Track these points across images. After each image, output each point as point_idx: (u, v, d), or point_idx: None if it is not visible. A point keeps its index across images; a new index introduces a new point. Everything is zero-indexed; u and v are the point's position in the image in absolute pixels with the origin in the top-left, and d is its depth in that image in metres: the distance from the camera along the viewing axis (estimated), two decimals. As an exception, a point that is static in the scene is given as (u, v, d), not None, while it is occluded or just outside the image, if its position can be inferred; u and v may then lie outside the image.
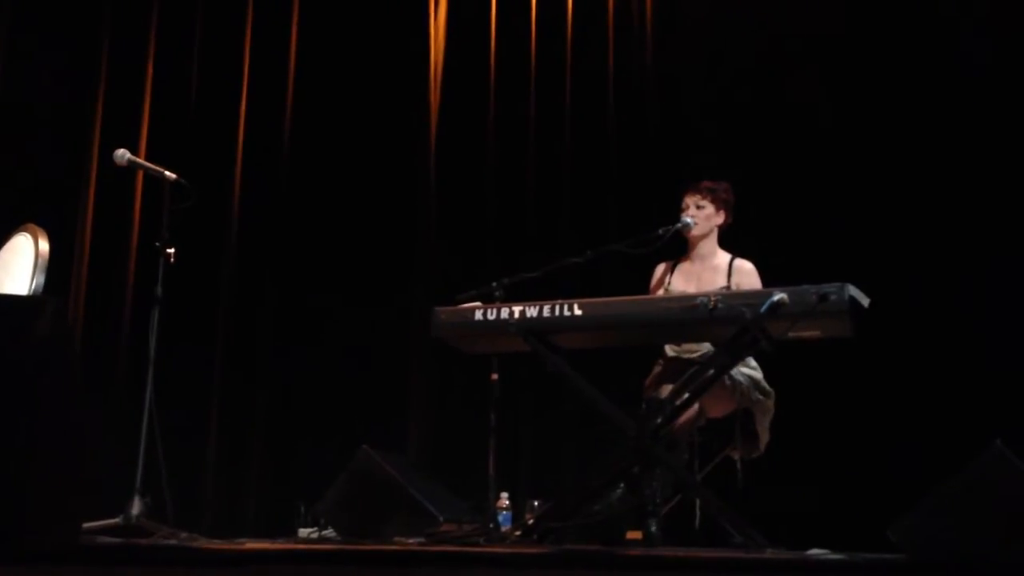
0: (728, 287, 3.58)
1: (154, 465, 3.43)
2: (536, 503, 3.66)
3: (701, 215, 3.67)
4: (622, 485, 3.27)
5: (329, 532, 3.65)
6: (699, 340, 3.50)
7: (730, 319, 3.08)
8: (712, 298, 3.09)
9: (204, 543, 3.04)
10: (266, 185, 5.23)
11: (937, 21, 4.52)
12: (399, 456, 4.02)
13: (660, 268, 3.80)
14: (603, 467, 3.32)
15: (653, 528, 3.08)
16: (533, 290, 3.50)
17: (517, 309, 3.30)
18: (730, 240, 3.77)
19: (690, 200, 3.69)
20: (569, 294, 3.39)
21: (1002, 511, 2.63)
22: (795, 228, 4.46)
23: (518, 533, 3.23)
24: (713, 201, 3.68)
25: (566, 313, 3.25)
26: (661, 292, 3.71)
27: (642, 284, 3.84)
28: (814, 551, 2.76)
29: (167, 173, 3.70)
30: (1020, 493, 2.64)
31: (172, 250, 3.59)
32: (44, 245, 3.12)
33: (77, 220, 5.06)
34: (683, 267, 3.75)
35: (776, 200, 4.48)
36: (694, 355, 3.57)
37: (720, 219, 3.71)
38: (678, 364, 3.57)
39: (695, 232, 3.67)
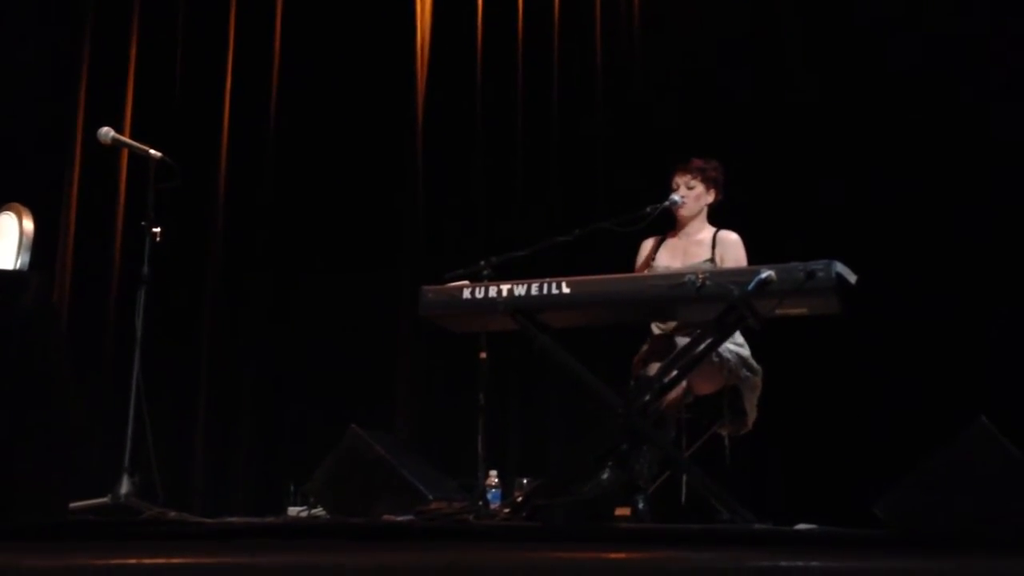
0: (712, 259, 3.59)
1: (142, 444, 3.43)
2: (525, 481, 3.67)
3: (691, 195, 3.68)
4: (610, 462, 3.29)
5: (318, 511, 3.66)
6: (687, 318, 3.50)
7: (718, 297, 3.09)
8: (700, 276, 3.10)
9: (194, 520, 3.04)
10: (252, 163, 5.21)
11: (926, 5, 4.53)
12: (388, 435, 4.02)
13: (647, 243, 3.80)
14: (591, 445, 3.33)
15: (641, 505, 3.09)
16: (521, 268, 3.50)
17: (505, 288, 3.29)
18: (719, 218, 3.78)
19: (680, 180, 3.69)
20: (557, 272, 3.39)
21: (986, 486, 2.66)
22: (782, 206, 4.47)
23: (507, 511, 3.24)
24: (703, 180, 3.69)
25: (554, 291, 3.25)
26: (647, 268, 3.72)
27: (630, 262, 3.84)
28: (801, 526, 2.78)
29: (152, 151, 3.67)
30: (1004, 468, 2.67)
31: (158, 229, 3.56)
32: (29, 224, 3.10)
33: (62, 199, 5.03)
34: (669, 242, 3.76)
35: (764, 178, 4.49)
36: (681, 332, 3.58)
37: (710, 198, 3.72)
38: (665, 341, 3.57)
39: (685, 212, 3.68)
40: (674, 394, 3.36)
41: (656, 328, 3.68)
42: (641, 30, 5.01)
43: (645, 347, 3.68)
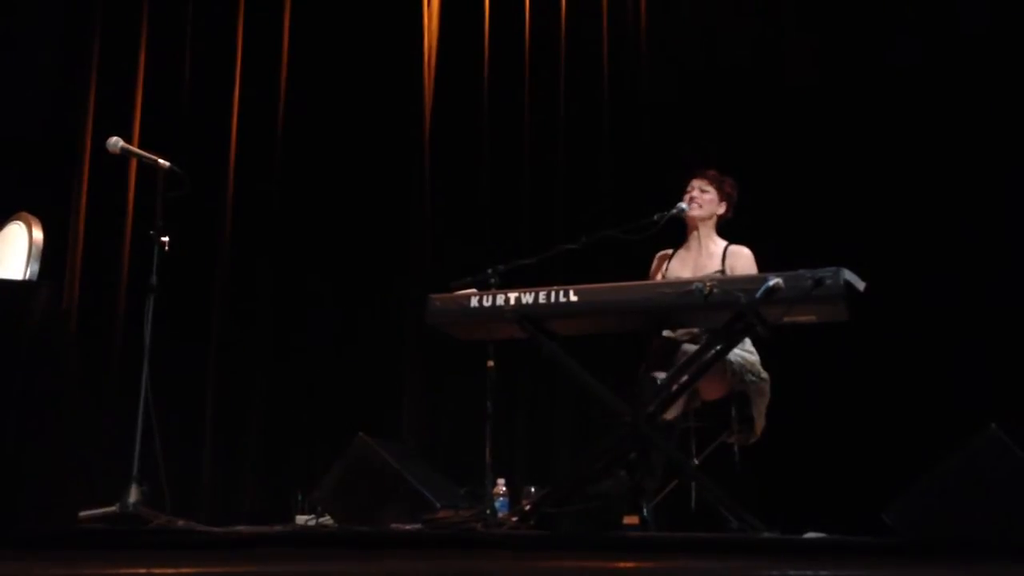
0: (722, 271, 3.59)
1: (151, 453, 3.43)
2: (533, 489, 3.67)
3: (704, 198, 3.70)
4: (618, 470, 3.28)
5: (326, 519, 3.66)
6: (695, 326, 3.50)
7: (725, 304, 3.08)
8: (707, 283, 3.09)
9: (202, 529, 3.04)
10: (260, 173, 5.22)
11: (934, 6, 4.53)
12: (395, 443, 4.03)
13: (659, 256, 3.80)
14: (599, 453, 3.33)
15: (648, 513, 3.08)
16: (528, 276, 3.50)
17: (512, 296, 3.30)
18: (728, 226, 3.78)
19: (697, 183, 3.72)
20: (564, 280, 3.39)
21: (997, 493, 2.65)
22: (790, 213, 4.46)
23: (515, 519, 3.23)
24: (718, 190, 3.72)
25: (561, 299, 3.25)
26: (660, 279, 3.72)
27: (637, 270, 3.84)
28: (810, 535, 2.78)
29: (161, 161, 3.68)
30: (1014, 475, 2.66)
31: (166, 238, 3.58)
32: (38, 234, 3.11)
33: (71, 208, 5.05)
34: (680, 254, 3.76)
35: (772, 185, 4.48)
36: (687, 337, 3.57)
37: (721, 209, 3.73)
38: (671, 345, 3.56)
39: (697, 213, 3.68)
40: (680, 401, 3.34)
41: (665, 332, 3.67)
42: (648, 39, 5.01)
43: (650, 349, 3.66)
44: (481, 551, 2.29)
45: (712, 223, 3.74)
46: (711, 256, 3.69)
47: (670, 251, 3.78)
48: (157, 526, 3.00)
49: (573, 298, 3.24)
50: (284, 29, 5.34)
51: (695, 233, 3.73)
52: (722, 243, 3.71)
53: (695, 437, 3.52)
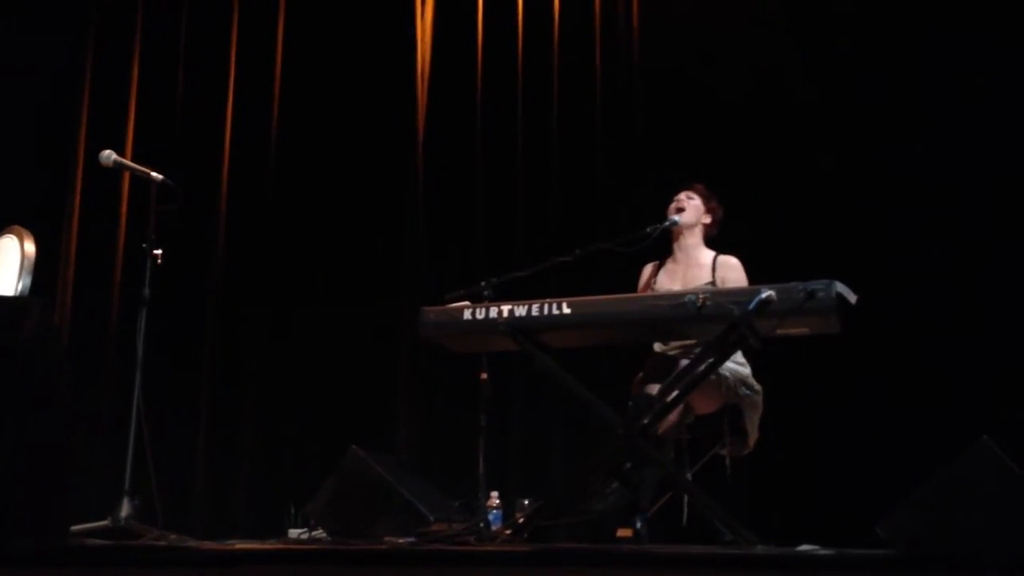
0: (713, 282, 3.61)
1: (143, 467, 3.42)
2: (526, 502, 3.66)
3: (691, 204, 3.74)
4: (612, 483, 3.27)
5: (319, 533, 3.65)
6: (687, 338, 3.51)
7: (718, 316, 3.09)
8: (700, 296, 3.10)
9: (194, 544, 3.03)
10: (253, 185, 5.22)
11: (929, 16, 4.55)
12: (389, 456, 4.02)
13: (647, 270, 3.82)
14: (592, 466, 3.32)
15: (640, 525, 3.08)
16: (522, 289, 3.50)
17: (506, 308, 3.30)
18: (718, 237, 3.80)
19: (683, 194, 3.76)
20: (558, 293, 3.40)
21: (989, 505, 2.65)
22: (783, 225, 4.48)
23: (508, 532, 3.22)
24: (704, 202, 3.75)
25: (555, 312, 3.25)
26: (648, 293, 3.73)
27: (631, 282, 3.85)
28: (803, 547, 2.78)
29: (153, 174, 3.69)
30: (1007, 488, 2.66)
31: (159, 251, 3.58)
32: (30, 247, 3.11)
33: (63, 222, 5.04)
34: (668, 267, 3.78)
35: (764, 197, 4.50)
36: (682, 353, 3.58)
37: (707, 219, 3.77)
38: (665, 360, 3.57)
39: (685, 219, 3.73)
40: (674, 415, 3.35)
41: (657, 346, 3.69)
42: (640, 52, 5.03)
43: (645, 366, 3.68)
44: (474, 565, 2.28)
45: (699, 233, 3.76)
46: (700, 267, 3.70)
47: (656, 264, 3.80)
48: (149, 541, 2.99)
49: (566, 310, 3.24)
50: (278, 41, 5.35)
51: (682, 244, 3.75)
52: (710, 253, 3.73)
53: (688, 449, 3.52)
